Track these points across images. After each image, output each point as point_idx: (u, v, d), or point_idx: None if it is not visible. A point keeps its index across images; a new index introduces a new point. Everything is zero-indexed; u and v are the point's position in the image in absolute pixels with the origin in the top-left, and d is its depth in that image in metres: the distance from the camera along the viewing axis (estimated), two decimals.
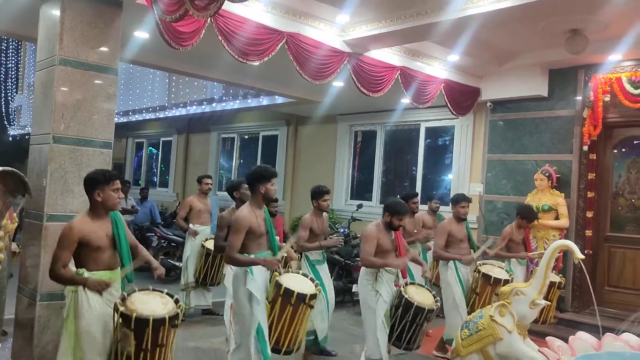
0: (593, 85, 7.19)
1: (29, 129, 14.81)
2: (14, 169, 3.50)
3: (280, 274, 4.19)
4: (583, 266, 4.33)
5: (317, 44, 6.08)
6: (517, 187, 8.02)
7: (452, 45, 6.86)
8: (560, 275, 6.34)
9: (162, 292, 3.51)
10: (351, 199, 10.76)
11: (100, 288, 3.39)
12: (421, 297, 4.72)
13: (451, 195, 8.91)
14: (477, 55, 7.40)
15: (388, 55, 6.86)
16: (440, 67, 7.52)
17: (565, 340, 3.51)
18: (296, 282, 4.20)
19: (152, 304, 3.33)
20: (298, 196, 11.57)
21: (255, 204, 4.29)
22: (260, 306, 4.08)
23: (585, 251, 7.08)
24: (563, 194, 7.30)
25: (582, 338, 3.57)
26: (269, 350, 4.08)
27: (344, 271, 8.10)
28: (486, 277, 5.57)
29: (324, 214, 5.87)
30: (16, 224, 4.29)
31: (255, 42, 5.53)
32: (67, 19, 4.70)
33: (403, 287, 4.75)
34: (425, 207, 7.94)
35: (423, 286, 5.01)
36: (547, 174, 7.32)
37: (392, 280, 4.85)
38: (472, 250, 5.89)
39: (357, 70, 6.50)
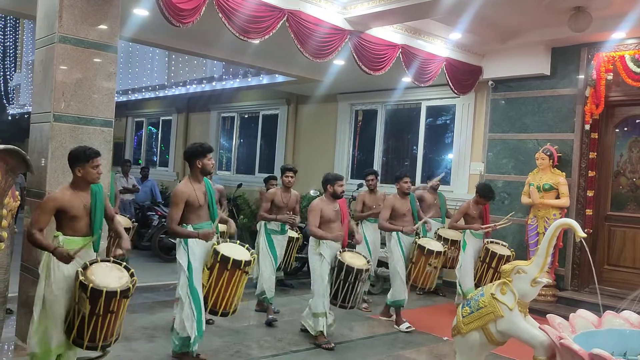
0: (596, 64, 7.14)
1: (28, 107, 14.73)
2: (15, 147, 3.48)
3: (218, 243, 4.55)
4: (585, 245, 4.36)
5: (318, 21, 6.02)
6: (518, 166, 8.01)
7: (454, 23, 6.81)
8: (510, 248, 6.76)
9: (120, 264, 3.85)
10: (351, 178, 10.75)
11: (64, 260, 3.67)
12: (354, 260, 5.41)
13: (452, 175, 8.95)
14: (480, 33, 7.34)
15: (389, 33, 6.80)
16: (442, 45, 7.46)
17: (566, 318, 3.53)
18: (233, 250, 4.55)
19: (109, 276, 3.69)
20: (298, 175, 11.46)
21: (194, 177, 4.65)
22: (193, 273, 4.49)
23: (586, 230, 7.08)
24: (564, 173, 7.30)
25: (583, 315, 3.59)
26: (202, 310, 4.50)
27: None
28: (421, 248, 6.09)
29: (293, 191, 6.46)
30: (18, 202, 4.28)
31: (256, 20, 5.49)
32: None
33: (339, 252, 5.43)
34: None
35: (359, 253, 5.73)
36: (548, 153, 7.31)
37: (335, 246, 5.49)
38: (415, 222, 6.40)
39: (358, 49, 6.45)
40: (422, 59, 7.16)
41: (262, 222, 6.38)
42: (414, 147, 9.93)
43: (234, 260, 4.40)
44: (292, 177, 6.41)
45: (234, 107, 13.33)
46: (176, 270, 6.73)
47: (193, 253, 4.53)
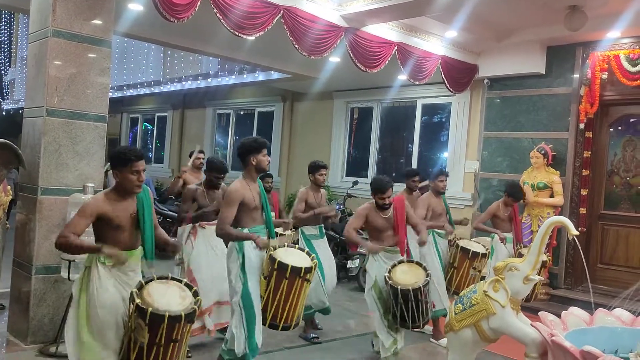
0: (591, 63, 7.15)
1: (23, 103, 14.65)
2: (7, 141, 3.47)
3: (275, 249, 4.09)
4: (577, 243, 4.36)
5: (314, 18, 6.01)
6: (512, 164, 8.02)
7: (450, 21, 6.80)
8: (548, 254, 6.30)
9: (180, 281, 3.33)
10: (347, 175, 10.76)
11: (114, 258, 3.17)
12: (406, 276, 4.70)
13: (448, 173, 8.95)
14: (475, 32, 7.34)
15: (385, 31, 6.79)
16: (437, 43, 7.45)
17: (559, 315, 3.54)
18: (291, 255, 4.09)
19: (169, 296, 3.16)
20: (293, 173, 11.56)
21: (248, 176, 4.19)
22: (249, 282, 4.03)
23: (579, 229, 7.12)
24: (558, 172, 7.32)
25: (575, 313, 3.60)
26: (256, 324, 4.04)
27: (339, 247, 8.14)
28: (465, 250, 5.61)
29: (323, 190, 5.81)
30: (10, 196, 4.27)
31: (251, 16, 5.47)
32: None
33: (389, 270, 4.74)
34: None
35: (413, 262, 4.96)
36: (542, 152, 7.32)
37: (389, 259, 4.90)
38: (450, 223, 5.96)
39: (354, 46, 6.44)
40: (417, 57, 7.16)
41: (300, 230, 5.69)
42: (410, 145, 9.94)
43: (292, 267, 3.93)
44: (326, 174, 5.80)
45: (230, 104, 13.31)
46: (172, 267, 6.74)
47: (249, 258, 4.07)
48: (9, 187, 4.69)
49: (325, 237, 5.82)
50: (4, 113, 19.96)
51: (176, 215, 8.68)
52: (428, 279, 4.72)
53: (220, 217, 4.12)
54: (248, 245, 4.08)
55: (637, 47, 6.89)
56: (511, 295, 3.76)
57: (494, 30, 7.47)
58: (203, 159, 7.41)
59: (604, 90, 7.17)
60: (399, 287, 4.58)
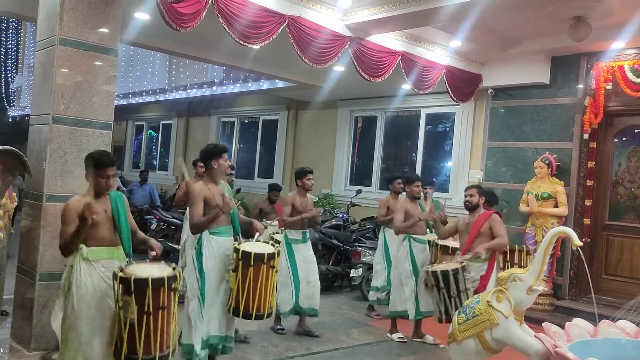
0: (595, 73, 7.15)
1: (29, 110, 14.75)
2: (13, 148, 3.50)
3: (240, 243, 4.33)
4: (581, 253, 4.35)
5: (319, 27, 6.04)
6: (516, 174, 8.02)
7: (455, 30, 6.82)
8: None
9: (159, 261, 3.59)
10: (350, 184, 10.77)
11: (88, 211, 3.31)
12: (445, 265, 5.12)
13: (451, 182, 8.96)
14: (480, 42, 7.36)
15: (389, 40, 6.82)
16: (441, 53, 7.48)
17: (563, 327, 3.53)
18: (254, 246, 4.32)
19: (149, 269, 3.37)
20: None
21: (209, 179, 4.51)
22: (206, 277, 4.31)
23: (584, 239, 7.10)
24: (562, 182, 7.31)
25: (579, 324, 3.58)
26: (204, 319, 4.29)
27: (342, 256, 8.12)
28: (444, 248, 5.85)
29: (309, 195, 6.05)
30: (16, 203, 4.29)
31: (256, 25, 5.50)
32: None
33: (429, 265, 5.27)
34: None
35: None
36: (547, 162, 7.32)
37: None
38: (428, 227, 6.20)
39: (358, 55, 6.47)
40: (422, 67, 7.18)
41: (284, 232, 5.85)
42: (413, 154, 9.94)
43: (255, 254, 4.17)
44: (312, 178, 6.03)
45: (234, 112, 13.35)
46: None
47: (211, 256, 4.36)
48: (14, 193, 4.71)
49: (308, 242, 6.04)
50: (11, 120, 20.07)
51: (180, 222, 8.72)
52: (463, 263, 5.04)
53: (190, 215, 4.44)
54: (207, 244, 4.36)
55: None
56: (514, 306, 3.75)
57: (498, 40, 7.49)
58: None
59: (608, 101, 7.16)
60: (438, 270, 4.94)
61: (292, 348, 5.47)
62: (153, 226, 9.71)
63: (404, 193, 6.40)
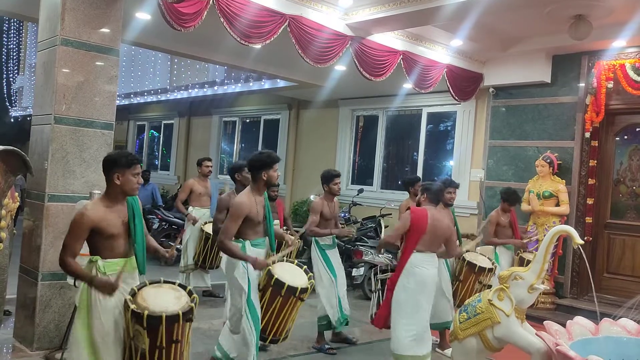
0: (596, 72, 7.15)
1: (31, 110, 14.79)
2: (15, 148, 3.50)
3: (273, 263, 4.12)
4: (582, 252, 4.35)
5: (320, 27, 6.04)
6: (518, 173, 8.02)
7: (456, 30, 6.82)
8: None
9: (174, 283, 3.32)
10: (352, 183, 10.77)
11: (108, 291, 3.08)
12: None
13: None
14: (481, 41, 7.36)
15: (391, 40, 6.82)
16: (443, 52, 7.48)
17: (564, 325, 3.53)
18: (289, 273, 4.12)
19: (164, 298, 3.13)
20: (299, 180, 11.58)
21: (256, 190, 4.20)
22: (252, 293, 4.07)
23: (585, 238, 7.10)
24: (564, 181, 7.31)
25: (580, 323, 3.59)
26: (258, 333, 4.08)
27: (344, 255, 8.12)
28: (471, 265, 5.61)
29: (335, 199, 5.71)
30: (18, 203, 4.30)
31: (258, 25, 5.50)
32: None
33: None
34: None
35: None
36: (548, 161, 7.31)
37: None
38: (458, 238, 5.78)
39: (360, 54, 6.47)
40: (423, 66, 7.18)
41: (314, 239, 5.57)
42: (415, 154, 9.94)
43: (288, 286, 3.97)
44: (340, 182, 5.63)
45: (236, 112, 13.36)
46: (176, 274, 6.77)
47: (252, 276, 4.11)
48: (16, 193, 4.72)
49: (336, 246, 5.79)
50: (13, 120, 20.10)
51: (182, 222, 8.74)
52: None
53: (223, 229, 4.11)
54: (248, 248, 4.11)
55: None
56: (516, 304, 3.75)
57: (499, 39, 7.49)
58: (211, 167, 7.53)
59: (610, 99, 7.16)
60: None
61: (294, 346, 5.48)
62: (155, 226, 9.72)
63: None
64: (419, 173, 9.60)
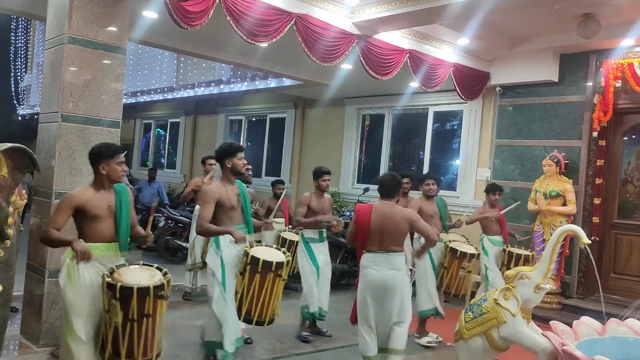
0: (604, 71, 7.11)
1: (38, 108, 14.88)
2: (22, 146, 3.51)
3: (252, 246, 4.30)
4: (589, 252, 4.33)
5: (326, 25, 6.04)
6: (524, 172, 7.99)
7: (463, 28, 6.80)
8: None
9: (151, 266, 3.55)
10: (358, 182, 10.76)
11: (83, 255, 3.39)
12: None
13: (459, 180, 8.95)
14: (488, 39, 7.34)
15: (397, 38, 6.81)
16: (449, 50, 7.46)
17: (570, 325, 3.52)
18: (265, 252, 4.30)
19: (139, 275, 3.38)
20: (305, 179, 11.57)
21: (226, 179, 4.50)
22: (226, 277, 4.29)
23: (592, 238, 7.07)
24: (571, 180, 7.27)
25: (586, 323, 3.58)
26: (234, 316, 4.27)
27: (349, 254, 8.13)
28: (453, 251, 5.88)
29: (327, 195, 5.96)
30: (25, 200, 4.31)
31: (264, 23, 5.51)
32: None
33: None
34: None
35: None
36: (555, 160, 7.28)
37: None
38: (444, 226, 6.12)
39: (366, 53, 6.46)
40: (429, 64, 7.16)
41: (300, 233, 5.92)
42: (421, 153, 9.92)
43: (264, 261, 4.13)
44: (329, 179, 5.95)
45: (242, 110, 13.37)
46: (183, 273, 6.78)
47: (226, 256, 4.33)
48: (23, 191, 4.74)
49: (325, 241, 5.94)
50: (20, 118, 20.21)
51: (188, 220, 8.77)
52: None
53: (199, 215, 4.40)
54: (224, 243, 4.33)
55: None
56: (522, 304, 3.74)
57: (506, 38, 7.46)
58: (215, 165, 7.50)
59: (618, 99, 7.12)
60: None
61: (299, 345, 5.49)
62: (161, 224, 9.75)
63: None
64: (425, 172, 9.58)
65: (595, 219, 7.28)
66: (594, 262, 6.33)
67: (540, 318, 5.57)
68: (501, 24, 6.89)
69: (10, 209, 3.57)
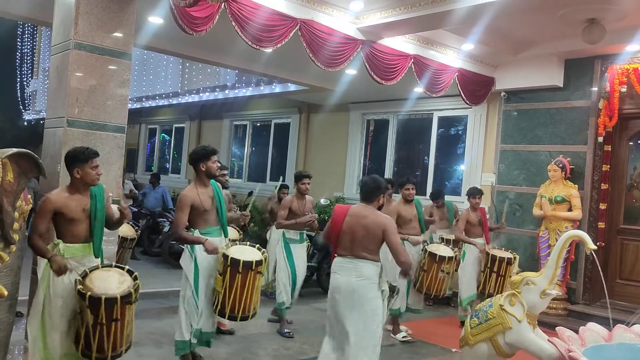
0: (609, 76, 7.09)
1: (44, 113, 14.92)
2: (28, 151, 3.53)
3: (227, 247, 4.46)
4: (595, 257, 4.30)
5: (331, 31, 6.05)
6: (529, 177, 7.96)
7: (467, 33, 6.81)
8: (512, 251, 6.78)
9: (123, 268, 3.72)
10: None
11: (58, 271, 3.55)
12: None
13: (464, 185, 8.93)
14: (492, 44, 7.34)
15: (402, 43, 6.82)
16: (454, 55, 7.46)
17: (577, 331, 3.50)
18: (242, 252, 4.45)
19: (109, 282, 3.54)
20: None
21: (199, 182, 4.58)
22: (199, 281, 4.45)
23: (598, 243, 7.03)
24: (576, 186, 7.25)
25: (593, 329, 3.56)
26: (197, 318, 4.48)
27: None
28: (432, 255, 6.09)
29: (309, 197, 6.25)
30: (30, 205, 4.32)
31: (269, 29, 5.53)
32: (83, 3, 4.73)
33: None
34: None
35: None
36: (560, 165, 7.26)
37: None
38: (421, 228, 6.39)
39: (370, 58, 6.47)
40: (434, 70, 7.16)
41: (280, 232, 6.15)
42: (426, 158, 9.91)
43: (244, 262, 4.31)
44: (309, 183, 6.20)
45: (247, 116, 13.40)
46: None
47: (200, 259, 4.48)
48: (29, 196, 4.75)
49: (304, 242, 6.31)
50: (26, 123, 20.30)
51: None
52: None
53: (174, 221, 4.55)
54: (199, 248, 4.44)
55: None
56: (527, 310, 3.73)
57: (511, 43, 7.45)
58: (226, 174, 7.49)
59: (623, 104, 7.10)
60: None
61: (304, 351, 5.48)
62: (165, 229, 9.76)
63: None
64: (430, 177, 9.60)
65: (601, 225, 7.25)
66: (599, 268, 6.28)
67: (546, 324, 5.54)
68: (506, 29, 6.89)
69: (16, 214, 3.59)
